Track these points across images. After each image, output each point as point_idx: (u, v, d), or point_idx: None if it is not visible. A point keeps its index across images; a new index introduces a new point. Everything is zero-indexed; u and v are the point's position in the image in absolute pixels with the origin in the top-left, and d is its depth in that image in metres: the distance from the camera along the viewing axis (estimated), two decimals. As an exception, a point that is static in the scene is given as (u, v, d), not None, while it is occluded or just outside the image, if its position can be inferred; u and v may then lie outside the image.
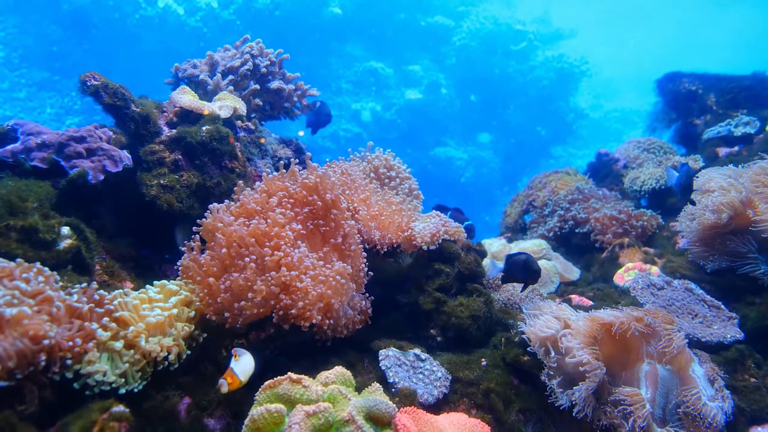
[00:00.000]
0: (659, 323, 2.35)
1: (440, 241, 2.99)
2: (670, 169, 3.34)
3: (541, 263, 4.11)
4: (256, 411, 1.76)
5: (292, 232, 2.52)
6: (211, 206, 2.62)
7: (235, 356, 2.01)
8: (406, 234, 2.98)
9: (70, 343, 1.84)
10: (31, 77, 15.56)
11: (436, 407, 2.31)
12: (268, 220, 2.48)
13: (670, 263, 3.59)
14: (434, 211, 3.29)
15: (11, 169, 2.66)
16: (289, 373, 1.92)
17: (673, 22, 30.49)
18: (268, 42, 4.02)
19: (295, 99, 4.10)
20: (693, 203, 3.30)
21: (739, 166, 3.41)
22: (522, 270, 2.81)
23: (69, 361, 1.85)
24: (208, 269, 2.40)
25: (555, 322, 2.43)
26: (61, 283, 2.05)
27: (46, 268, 2.03)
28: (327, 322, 2.38)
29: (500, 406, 2.37)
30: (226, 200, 2.72)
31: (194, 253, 2.52)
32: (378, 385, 2.08)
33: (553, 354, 2.33)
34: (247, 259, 2.36)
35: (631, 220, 4.31)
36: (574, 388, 2.17)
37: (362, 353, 2.60)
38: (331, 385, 1.95)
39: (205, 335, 2.37)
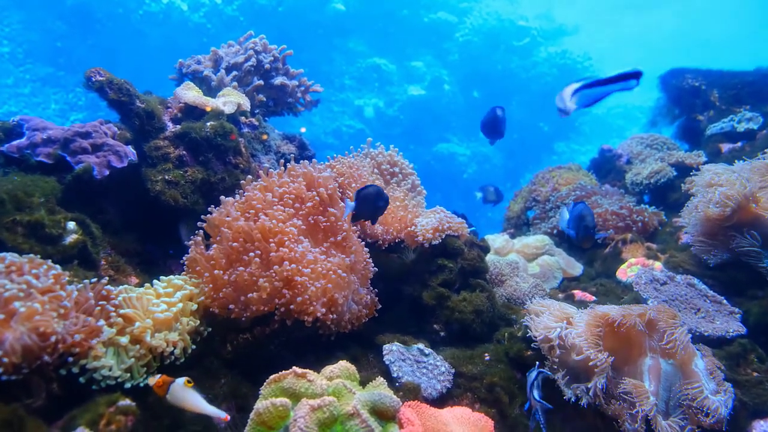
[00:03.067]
0: (662, 318, 2.36)
1: (443, 236, 3.00)
2: (563, 206, 3.20)
3: (544, 259, 4.12)
4: (261, 405, 1.78)
5: (294, 228, 2.53)
6: (223, 198, 2.64)
7: (190, 383, 1.87)
8: (409, 229, 2.99)
9: (77, 338, 1.85)
10: (36, 73, 15.59)
11: (439, 401, 2.32)
12: (273, 220, 2.50)
13: (673, 258, 3.59)
14: (438, 207, 3.30)
15: (17, 164, 2.68)
16: (294, 368, 1.93)
17: (676, 18, 30.36)
18: (271, 38, 4.03)
19: (299, 95, 4.11)
20: (586, 239, 3.03)
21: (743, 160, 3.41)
22: (371, 203, 2.71)
23: (72, 358, 1.87)
24: (216, 262, 2.42)
25: (559, 319, 2.44)
26: (67, 278, 2.06)
27: (57, 266, 2.05)
28: (330, 317, 2.39)
29: (504, 399, 2.38)
30: (237, 194, 2.73)
31: (201, 247, 2.53)
32: (382, 379, 2.09)
33: (557, 350, 2.34)
34: (252, 254, 2.37)
35: (633, 215, 4.32)
36: (587, 384, 2.18)
37: (366, 348, 2.61)
38: (335, 380, 1.96)
39: (210, 330, 2.39)
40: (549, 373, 2.32)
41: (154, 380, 1.88)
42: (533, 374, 2.24)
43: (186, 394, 1.85)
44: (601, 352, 2.19)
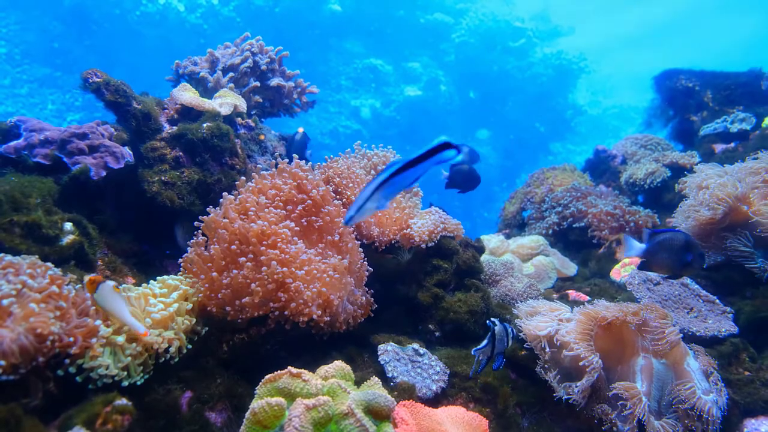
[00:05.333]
0: (654, 317, 2.38)
1: (438, 237, 3.02)
2: (628, 238, 2.76)
3: (539, 259, 4.14)
4: (257, 404, 1.79)
5: (287, 229, 2.54)
6: (225, 195, 2.64)
7: (119, 290, 1.95)
8: (405, 231, 3.01)
9: (73, 339, 1.86)
10: (33, 73, 15.55)
11: (434, 401, 2.33)
12: (265, 222, 2.50)
13: (667, 259, 3.61)
14: (433, 207, 3.31)
15: (14, 165, 2.69)
16: (289, 368, 1.94)
17: (670, 19, 30.41)
18: (267, 39, 4.05)
19: (295, 96, 4.13)
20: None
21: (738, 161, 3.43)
22: (460, 180, 2.76)
23: (69, 358, 1.88)
24: (214, 263, 2.43)
25: (550, 319, 2.46)
26: (64, 279, 2.07)
27: (56, 268, 2.05)
28: (326, 318, 2.40)
29: (498, 399, 2.40)
30: (233, 195, 2.74)
31: (201, 248, 2.54)
32: (377, 379, 2.11)
33: (548, 349, 2.35)
34: (243, 258, 2.38)
35: (626, 215, 4.35)
36: (578, 382, 2.20)
37: (362, 348, 2.63)
38: (330, 379, 1.98)
39: (206, 329, 2.40)
40: (496, 326, 2.32)
41: (87, 278, 1.94)
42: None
43: (112, 298, 1.89)
44: (593, 351, 2.20)
